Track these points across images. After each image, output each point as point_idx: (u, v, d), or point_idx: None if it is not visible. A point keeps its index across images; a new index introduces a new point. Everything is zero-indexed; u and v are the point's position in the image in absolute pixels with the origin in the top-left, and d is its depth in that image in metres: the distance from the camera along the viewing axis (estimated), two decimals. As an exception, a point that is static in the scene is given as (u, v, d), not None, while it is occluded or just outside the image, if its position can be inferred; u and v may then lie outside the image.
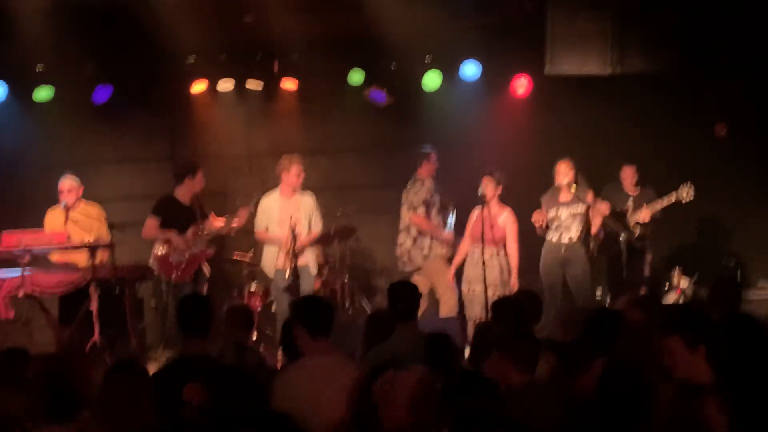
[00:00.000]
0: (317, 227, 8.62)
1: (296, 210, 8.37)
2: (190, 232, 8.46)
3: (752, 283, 9.33)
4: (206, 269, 8.68)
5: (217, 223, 8.78)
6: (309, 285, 8.45)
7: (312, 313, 4.50)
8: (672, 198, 8.53)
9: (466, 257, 8.47)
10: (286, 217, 8.28)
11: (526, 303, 5.67)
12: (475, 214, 8.35)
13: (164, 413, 4.19)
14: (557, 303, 8.39)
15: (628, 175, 9.01)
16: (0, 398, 3.81)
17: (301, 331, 4.45)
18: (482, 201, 8.13)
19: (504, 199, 8.47)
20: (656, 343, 4.07)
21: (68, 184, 8.44)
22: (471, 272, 8.32)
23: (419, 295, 5.33)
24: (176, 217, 8.48)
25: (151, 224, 8.44)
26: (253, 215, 8.63)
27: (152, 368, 4.44)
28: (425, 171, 8.84)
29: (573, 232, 8.44)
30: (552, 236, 8.51)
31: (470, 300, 8.29)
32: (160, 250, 8.42)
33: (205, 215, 8.70)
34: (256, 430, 2.70)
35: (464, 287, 8.39)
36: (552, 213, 8.50)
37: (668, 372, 3.91)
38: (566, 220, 8.45)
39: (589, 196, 8.52)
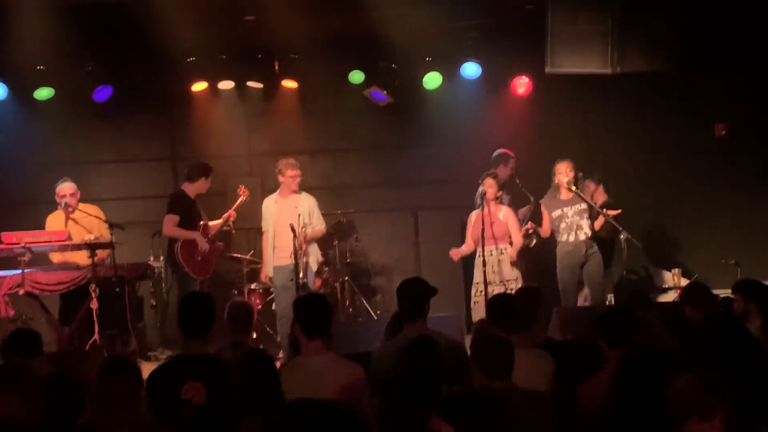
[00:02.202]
0: (320, 226, 8.63)
1: (294, 209, 8.39)
2: (201, 227, 8.46)
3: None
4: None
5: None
6: (310, 282, 8.48)
7: (309, 314, 4.50)
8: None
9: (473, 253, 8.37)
10: (284, 218, 8.33)
11: (520, 301, 5.61)
12: (474, 217, 8.27)
13: (162, 411, 4.21)
14: (571, 304, 8.29)
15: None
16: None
17: (299, 330, 4.47)
18: (482, 200, 8.08)
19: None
20: None
21: (70, 188, 8.41)
22: (477, 274, 8.24)
23: (427, 293, 5.29)
24: (191, 213, 8.45)
25: (173, 221, 8.33)
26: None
27: (152, 368, 4.43)
28: (501, 174, 8.57)
29: (586, 228, 8.29)
30: (565, 236, 8.30)
31: (475, 302, 8.23)
32: (183, 248, 8.36)
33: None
34: None
35: (472, 289, 8.32)
36: (557, 213, 8.37)
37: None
38: (574, 217, 8.30)
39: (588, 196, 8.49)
